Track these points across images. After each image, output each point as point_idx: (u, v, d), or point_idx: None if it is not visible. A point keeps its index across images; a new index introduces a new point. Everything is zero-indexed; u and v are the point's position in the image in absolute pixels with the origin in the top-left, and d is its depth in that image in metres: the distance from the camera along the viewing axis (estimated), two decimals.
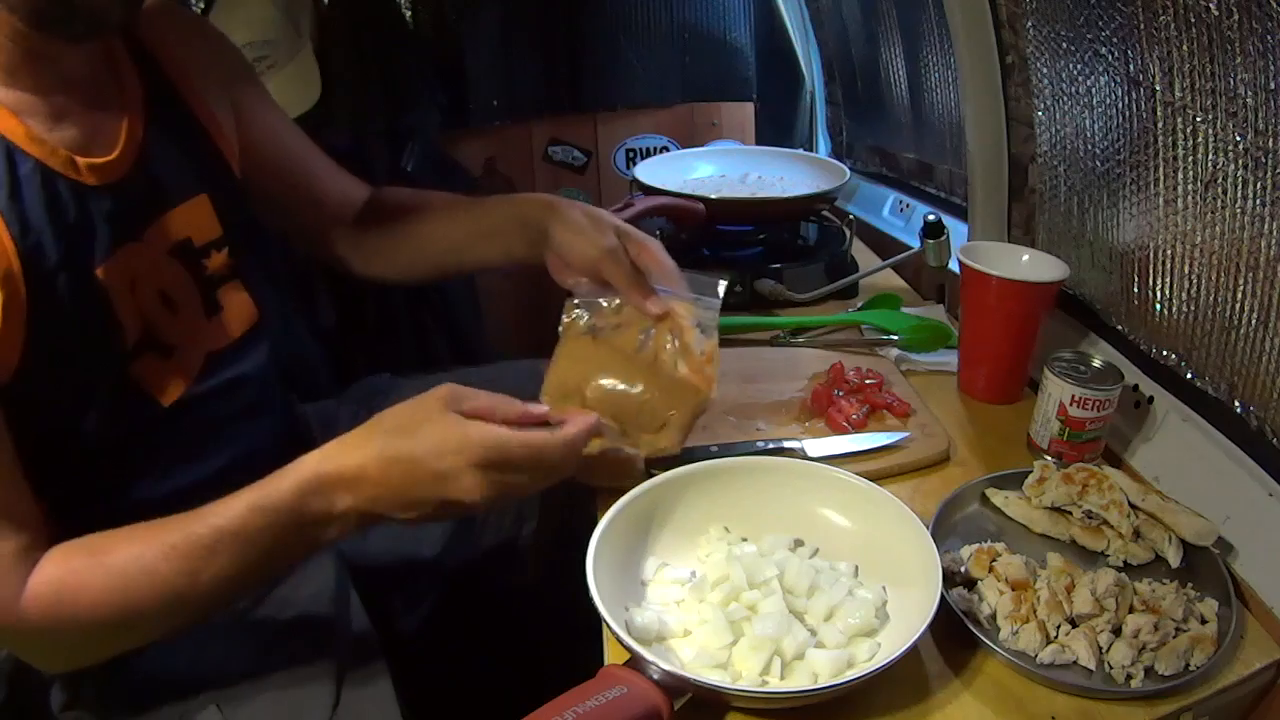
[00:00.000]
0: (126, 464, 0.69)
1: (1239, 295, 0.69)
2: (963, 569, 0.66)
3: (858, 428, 0.84)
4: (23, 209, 0.60)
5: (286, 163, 0.91)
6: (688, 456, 0.75)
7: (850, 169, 1.31)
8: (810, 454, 0.78)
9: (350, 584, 0.81)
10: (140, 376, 0.69)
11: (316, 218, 0.96)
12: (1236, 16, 0.62)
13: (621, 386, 0.75)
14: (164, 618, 0.62)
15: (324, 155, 0.96)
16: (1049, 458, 0.79)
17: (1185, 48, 0.68)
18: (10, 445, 0.59)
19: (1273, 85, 0.61)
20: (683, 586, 0.65)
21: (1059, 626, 0.60)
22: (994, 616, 0.62)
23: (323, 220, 0.96)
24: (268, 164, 0.88)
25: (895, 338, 1.02)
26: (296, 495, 0.61)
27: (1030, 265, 0.89)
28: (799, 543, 0.69)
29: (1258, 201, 0.65)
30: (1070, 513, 0.71)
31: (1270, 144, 0.62)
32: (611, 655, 0.61)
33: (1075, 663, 0.58)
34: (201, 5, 1.33)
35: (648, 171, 1.27)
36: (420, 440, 0.62)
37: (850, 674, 0.55)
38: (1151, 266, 0.79)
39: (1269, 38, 0.59)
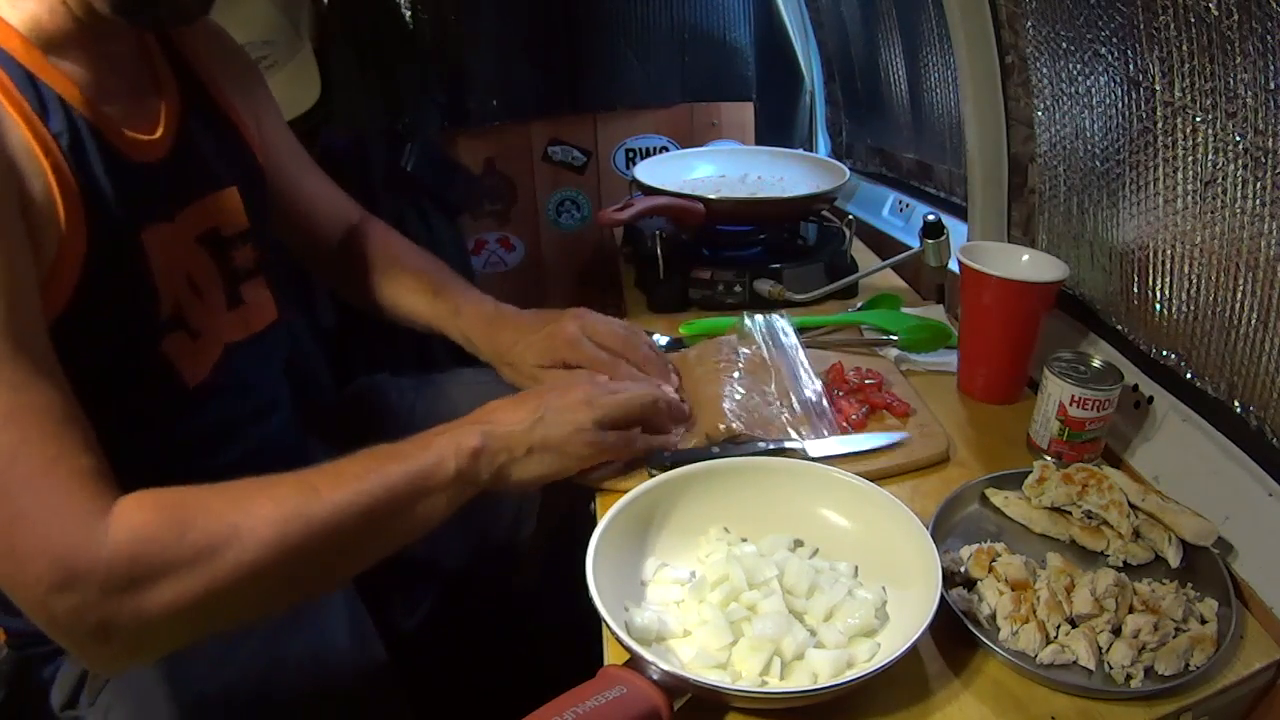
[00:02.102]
0: (147, 448, 0.69)
1: (1239, 295, 0.69)
2: (962, 569, 0.66)
3: (857, 428, 0.84)
4: (84, 160, 0.62)
5: (281, 171, 0.92)
6: (688, 457, 0.76)
7: (850, 169, 1.31)
8: (810, 454, 0.78)
9: (351, 584, 0.81)
10: (170, 354, 0.70)
11: (303, 229, 0.98)
12: (1236, 16, 0.62)
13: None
14: (275, 544, 0.56)
15: (318, 168, 0.99)
16: (1049, 458, 0.79)
17: (1185, 48, 0.68)
18: (63, 376, 0.56)
19: (1273, 85, 0.61)
20: (682, 587, 0.65)
21: (1059, 626, 0.60)
22: (994, 616, 0.62)
23: (308, 233, 0.99)
24: (269, 169, 0.89)
25: (895, 338, 1.02)
26: (420, 434, 0.67)
27: (1030, 265, 0.89)
28: (799, 543, 0.69)
29: (1258, 201, 0.65)
30: (1070, 513, 0.71)
31: (1270, 144, 0.62)
32: (611, 655, 0.61)
33: (1075, 663, 0.58)
34: None
35: (647, 171, 1.27)
36: None
37: (850, 674, 0.55)
38: (1151, 266, 0.79)
39: (1269, 38, 0.59)
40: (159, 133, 0.70)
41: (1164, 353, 0.80)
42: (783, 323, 0.96)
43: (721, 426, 0.80)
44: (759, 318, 0.97)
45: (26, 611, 0.53)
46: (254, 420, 0.81)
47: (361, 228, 1.02)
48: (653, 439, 0.78)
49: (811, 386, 0.87)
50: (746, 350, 0.92)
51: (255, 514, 0.56)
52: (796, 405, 0.85)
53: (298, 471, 0.61)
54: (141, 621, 0.53)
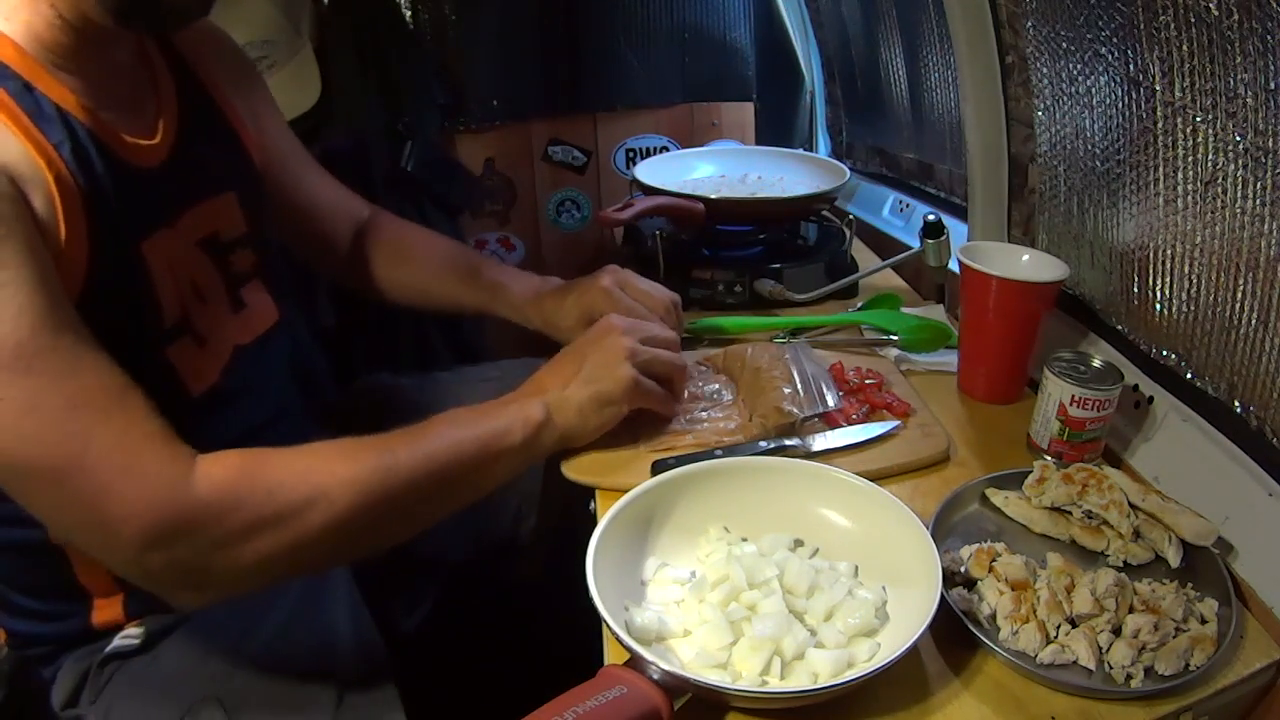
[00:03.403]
0: None
1: (1239, 295, 0.69)
2: (963, 569, 0.66)
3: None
4: (88, 167, 0.61)
5: (283, 170, 0.92)
6: (688, 456, 0.76)
7: (850, 169, 1.31)
8: (812, 449, 0.79)
9: (352, 584, 0.81)
10: (175, 362, 0.70)
11: (309, 229, 0.98)
12: (1236, 16, 0.62)
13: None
14: (359, 503, 0.60)
15: (320, 167, 0.99)
16: (1049, 458, 0.79)
17: (1185, 48, 0.68)
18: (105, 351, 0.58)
19: (1273, 85, 0.61)
20: (683, 586, 0.65)
21: (1059, 626, 0.60)
22: (994, 616, 0.62)
23: (316, 232, 0.98)
24: (270, 169, 0.88)
25: (895, 338, 1.02)
26: (486, 403, 0.72)
27: (1030, 265, 0.89)
28: (799, 543, 0.69)
29: (1258, 201, 0.65)
30: (1070, 513, 0.71)
31: (1270, 144, 0.62)
32: (611, 655, 0.61)
33: (1075, 663, 0.58)
34: None
35: (648, 171, 1.27)
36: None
37: (850, 674, 0.55)
38: (1151, 266, 0.79)
39: (1269, 38, 0.59)
40: (158, 138, 0.70)
41: (1164, 353, 0.80)
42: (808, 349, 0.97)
43: (783, 408, 0.81)
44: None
45: (118, 571, 0.59)
46: (266, 428, 0.81)
47: (374, 222, 1.01)
48: (669, 399, 0.82)
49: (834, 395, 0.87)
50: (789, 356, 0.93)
51: (339, 474, 0.60)
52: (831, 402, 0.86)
53: (375, 436, 0.65)
54: (234, 571, 0.58)
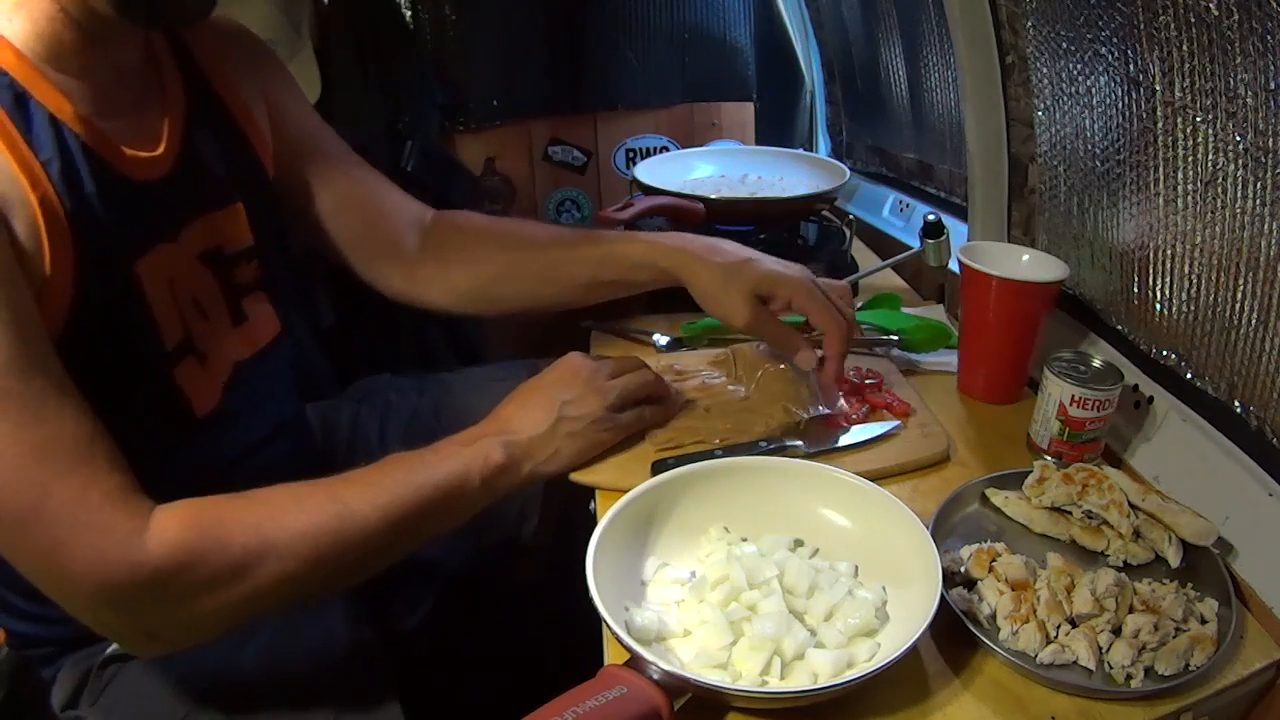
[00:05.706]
0: (159, 481, 0.66)
1: (1239, 295, 0.69)
2: (963, 569, 0.66)
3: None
4: (77, 186, 0.59)
5: (319, 159, 0.87)
6: (688, 456, 0.76)
7: (850, 169, 1.31)
8: (808, 449, 0.79)
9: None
10: (181, 383, 0.68)
11: (362, 226, 0.91)
12: (1236, 16, 0.62)
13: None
14: (310, 557, 0.59)
15: (370, 166, 0.92)
16: (1049, 458, 0.79)
17: (1185, 48, 0.68)
18: (80, 396, 0.56)
19: (1273, 85, 0.61)
20: (683, 587, 0.65)
21: (1059, 626, 0.60)
22: (994, 616, 0.62)
23: (371, 235, 0.91)
24: (302, 166, 0.86)
25: (895, 338, 1.02)
26: (443, 443, 0.70)
27: (1030, 265, 0.89)
28: (799, 543, 0.69)
29: (1258, 201, 0.65)
30: (1070, 513, 0.71)
31: (1270, 144, 0.62)
32: (611, 655, 0.61)
33: (1075, 663, 0.58)
34: None
35: (648, 171, 1.27)
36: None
37: (850, 674, 0.55)
38: (1151, 266, 0.79)
39: (1269, 38, 0.59)
40: (162, 148, 0.67)
41: (1164, 353, 0.80)
42: None
43: (789, 408, 0.81)
44: None
45: (78, 618, 0.57)
46: (265, 444, 0.80)
47: (450, 220, 0.95)
48: (658, 411, 0.82)
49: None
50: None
51: (290, 528, 0.59)
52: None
53: (327, 481, 0.63)
54: (187, 625, 0.58)
